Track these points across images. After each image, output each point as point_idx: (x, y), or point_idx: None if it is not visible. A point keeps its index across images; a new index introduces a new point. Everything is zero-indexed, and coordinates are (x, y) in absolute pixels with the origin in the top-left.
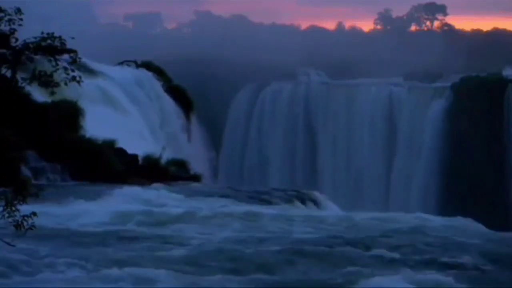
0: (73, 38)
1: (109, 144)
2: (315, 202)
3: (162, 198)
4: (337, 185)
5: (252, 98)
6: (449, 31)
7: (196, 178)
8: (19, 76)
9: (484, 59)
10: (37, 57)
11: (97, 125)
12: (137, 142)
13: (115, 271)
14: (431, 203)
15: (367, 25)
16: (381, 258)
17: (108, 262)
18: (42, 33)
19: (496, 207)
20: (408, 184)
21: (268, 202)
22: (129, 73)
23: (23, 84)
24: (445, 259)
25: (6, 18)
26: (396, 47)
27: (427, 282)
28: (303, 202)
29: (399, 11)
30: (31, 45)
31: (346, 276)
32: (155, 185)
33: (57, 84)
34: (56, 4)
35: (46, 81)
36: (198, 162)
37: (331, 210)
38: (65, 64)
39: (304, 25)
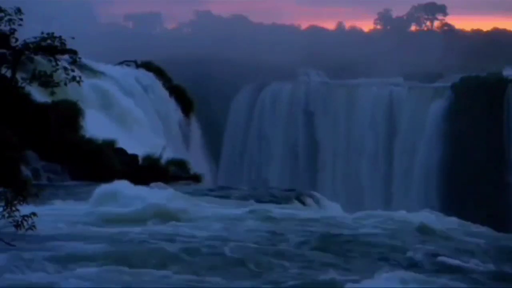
0: (73, 38)
1: (109, 144)
2: (315, 202)
3: (164, 197)
4: (337, 185)
5: (252, 98)
6: (449, 31)
7: (196, 178)
8: (19, 76)
9: (484, 59)
10: (37, 57)
11: (97, 125)
12: (137, 142)
13: (118, 271)
14: (431, 203)
15: (367, 25)
16: (383, 258)
17: (111, 262)
18: (42, 33)
19: (496, 207)
20: (408, 184)
21: (269, 202)
22: (129, 73)
23: (23, 84)
24: (446, 259)
25: (6, 18)
26: (396, 47)
27: (430, 282)
28: (303, 202)
29: (399, 11)
30: (31, 45)
31: (348, 276)
32: (155, 185)
33: (57, 84)
34: (56, 4)
35: (46, 81)
36: (198, 162)
37: (331, 209)
38: (65, 64)
39: (304, 25)
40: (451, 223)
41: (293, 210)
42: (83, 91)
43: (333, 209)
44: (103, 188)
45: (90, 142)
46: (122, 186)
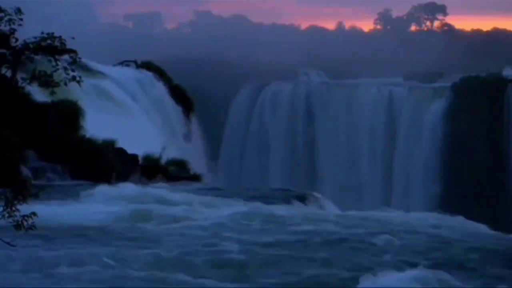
0: (73, 38)
1: (109, 144)
2: (315, 202)
3: (164, 197)
4: (337, 185)
5: (252, 98)
6: (449, 31)
7: (196, 178)
8: (19, 76)
9: (484, 59)
10: (37, 57)
11: (97, 125)
12: (137, 142)
13: (120, 271)
14: (431, 203)
15: (367, 25)
16: (382, 258)
17: (112, 262)
18: (42, 33)
19: (496, 207)
20: (408, 184)
21: (268, 202)
22: (129, 73)
23: (23, 84)
24: (445, 258)
25: (6, 18)
26: (396, 47)
27: (429, 281)
28: (302, 202)
29: (399, 11)
30: (31, 45)
31: (348, 276)
32: (155, 185)
33: (57, 84)
34: (56, 4)
35: (46, 81)
36: (198, 162)
37: (330, 210)
38: (65, 64)
39: (304, 25)
40: (450, 222)
41: (293, 210)
42: (83, 91)
43: (333, 209)
44: None
45: (90, 142)
46: None
